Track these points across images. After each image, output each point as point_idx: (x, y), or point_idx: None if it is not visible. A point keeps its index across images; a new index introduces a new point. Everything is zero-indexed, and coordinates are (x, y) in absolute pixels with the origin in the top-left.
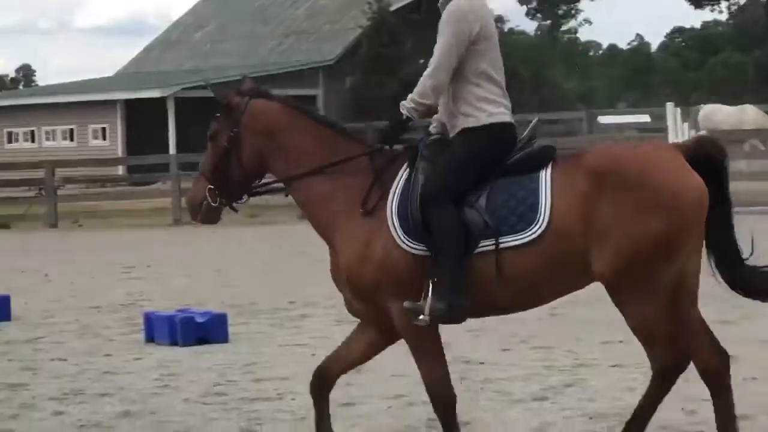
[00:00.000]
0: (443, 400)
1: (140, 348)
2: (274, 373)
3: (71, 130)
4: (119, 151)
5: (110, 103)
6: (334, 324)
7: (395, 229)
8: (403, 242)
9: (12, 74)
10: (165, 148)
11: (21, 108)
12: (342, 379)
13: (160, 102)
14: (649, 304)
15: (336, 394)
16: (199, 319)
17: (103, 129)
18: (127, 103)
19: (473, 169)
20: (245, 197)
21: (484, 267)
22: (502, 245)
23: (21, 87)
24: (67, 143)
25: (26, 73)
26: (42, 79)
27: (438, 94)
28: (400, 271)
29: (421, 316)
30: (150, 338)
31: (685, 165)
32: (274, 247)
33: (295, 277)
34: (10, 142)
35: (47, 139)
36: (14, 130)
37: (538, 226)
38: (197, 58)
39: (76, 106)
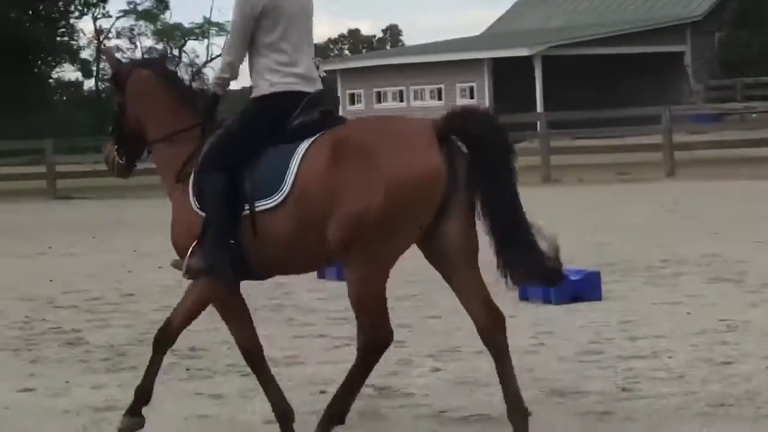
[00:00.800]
0: (250, 352)
1: (514, 306)
2: (648, 331)
3: (439, 90)
4: None
5: (477, 62)
6: (706, 282)
7: (191, 194)
8: (195, 206)
9: (379, 35)
10: (532, 107)
11: (389, 68)
12: (716, 338)
13: (527, 60)
14: (368, 276)
15: (711, 354)
16: (573, 278)
17: (471, 88)
18: (494, 61)
19: (245, 137)
20: (145, 154)
21: (246, 230)
22: (256, 209)
23: (388, 47)
24: (435, 102)
25: (393, 33)
26: (409, 39)
27: (233, 69)
28: (197, 233)
29: (179, 270)
30: (524, 297)
31: (426, 141)
32: (643, 205)
33: (667, 235)
34: (379, 101)
35: (415, 98)
36: (383, 89)
37: (281, 192)
38: (563, 16)
39: (443, 65)
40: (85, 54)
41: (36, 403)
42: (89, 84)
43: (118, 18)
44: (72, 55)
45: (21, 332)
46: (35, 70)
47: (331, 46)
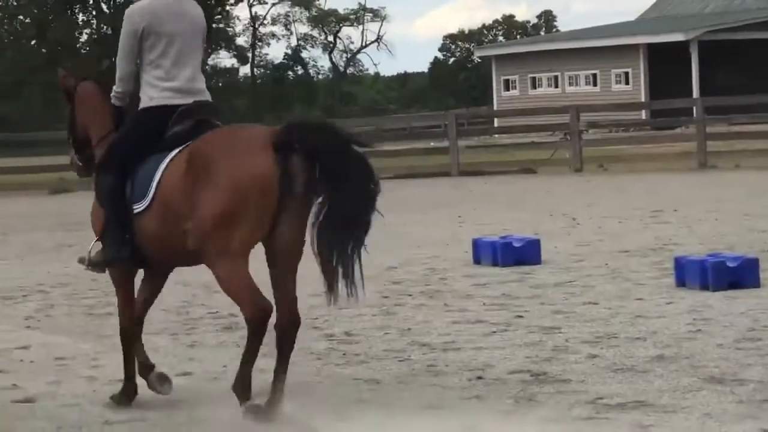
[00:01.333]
0: (127, 331)
1: (671, 292)
2: None
3: (594, 75)
4: (642, 96)
5: (633, 48)
6: None
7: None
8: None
9: (534, 20)
10: (688, 92)
11: (543, 54)
12: None
13: (683, 45)
14: (223, 267)
15: None
16: (731, 264)
17: (626, 73)
18: (650, 47)
19: (128, 145)
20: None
21: (134, 228)
22: (134, 211)
23: (542, 33)
24: (590, 88)
25: (547, 18)
26: (563, 24)
27: (122, 82)
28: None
29: (83, 265)
30: (681, 282)
31: (260, 149)
32: None
33: None
34: (534, 87)
35: (570, 84)
36: (537, 75)
37: (148, 197)
38: (719, 0)
39: (598, 51)
40: (241, 41)
41: (194, 386)
42: (245, 70)
43: (273, 5)
44: (228, 41)
45: (179, 317)
46: None
47: (486, 32)
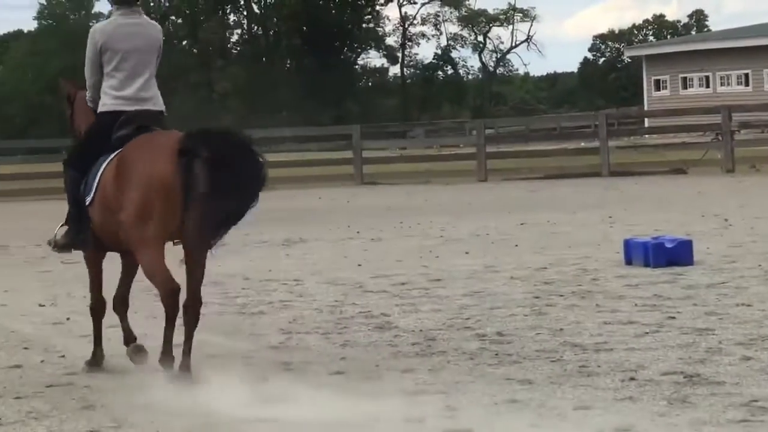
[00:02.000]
0: (95, 309)
1: None
2: None
3: (746, 75)
4: None
5: None
6: None
7: None
8: None
9: (684, 20)
10: None
11: (695, 53)
12: None
13: None
14: (142, 255)
15: None
16: None
17: None
18: None
19: (85, 145)
20: None
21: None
22: (86, 202)
23: (693, 32)
24: (742, 88)
25: (698, 18)
26: (714, 24)
27: (92, 90)
28: None
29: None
30: None
31: (166, 153)
32: None
33: None
34: (684, 87)
35: (722, 84)
36: (688, 75)
37: (93, 192)
38: None
39: (750, 50)
40: (391, 40)
41: (347, 386)
42: (394, 70)
43: (423, 5)
44: (377, 41)
45: (331, 316)
46: (342, 56)
47: (636, 32)
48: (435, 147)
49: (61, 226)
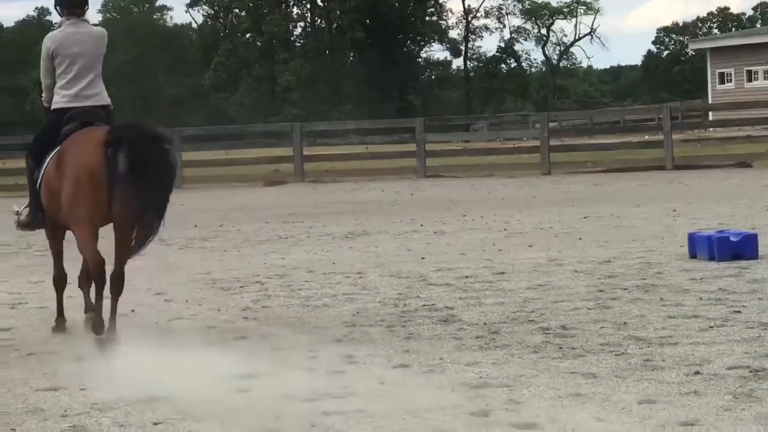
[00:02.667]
0: (56, 281)
1: None
2: None
3: None
4: None
5: None
6: None
7: None
8: None
9: (749, 12)
10: None
11: (760, 46)
12: None
13: None
14: (76, 233)
15: None
16: None
17: None
18: None
19: (39, 137)
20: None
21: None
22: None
23: (758, 25)
24: None
25: (763, 10)
26: None
27: (47, 91)
28: None
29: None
30: None
31: (93, 146)
32: None
33: None
34: (749, 80)
35: None
36: (753, 68)
37: (40, 179)
38: None
39: None
40: (454, 33)
41: (411, 378)
42: (458, 63)
43: None
44: (440, 34)
45: (395, 309)
46: (405, 49)
47: (700, 25)
48: (498, 140)
49: (24, 207)
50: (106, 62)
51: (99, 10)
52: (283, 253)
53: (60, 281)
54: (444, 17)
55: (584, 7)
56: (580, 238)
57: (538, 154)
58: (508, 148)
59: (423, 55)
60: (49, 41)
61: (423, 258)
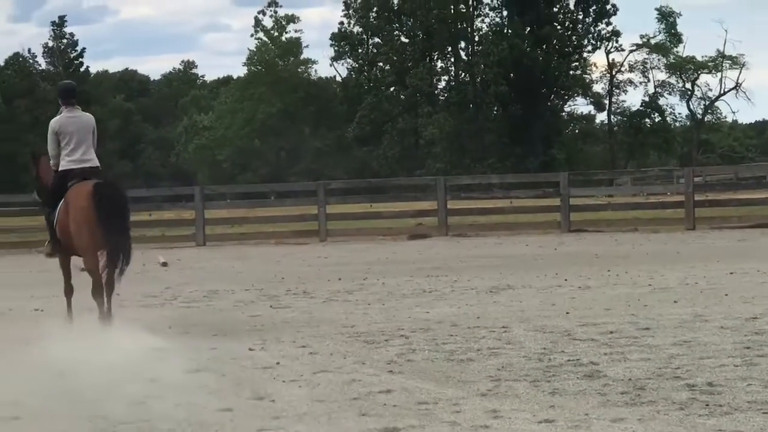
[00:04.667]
0: (64, 291)
1: None
2: None
3: None
4: None
5: None
6: None
7: None
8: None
9: None
10: None
11: None
12: None
13: None
14: (84, 256)
15: None
16: None
17: None
18: None
19: (51, 190)
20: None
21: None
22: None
23: None
24: None
25: None
26: None
27: (54, 159)
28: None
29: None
30: None
31: (85, 195)
32: None
33: None
34: None
35: None
36: None
37: (55, 221)
38: None
39: None
40: (598, 87)
41: None
42: (601, 117)
43: (630, 51)
44: (584, 88)
45: (539, 363)
46: (548, 103)
47: None
48: (642, 194)
49: (47, 242)
50: (94, 136)
51: (244, 63)
52: (428, 306)
53: (68, 291)
54: (588, 71)
55: (730, 62)
56: (726, 294)
57: (683, 209)
58: (652, 203)
59: (567, 109)
60: (55, 124)
61: (567, 313)
